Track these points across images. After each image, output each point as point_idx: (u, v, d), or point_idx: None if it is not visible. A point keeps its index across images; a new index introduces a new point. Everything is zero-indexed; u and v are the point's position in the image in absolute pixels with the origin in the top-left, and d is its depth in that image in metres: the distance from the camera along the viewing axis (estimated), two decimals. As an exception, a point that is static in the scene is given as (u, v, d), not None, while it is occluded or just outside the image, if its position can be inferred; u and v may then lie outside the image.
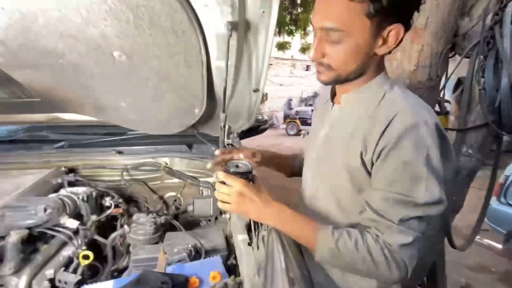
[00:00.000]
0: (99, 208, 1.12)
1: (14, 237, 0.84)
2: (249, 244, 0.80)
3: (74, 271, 0.94)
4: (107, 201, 1.15)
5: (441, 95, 1.55)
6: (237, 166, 0.71)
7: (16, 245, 0.84)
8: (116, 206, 1.16)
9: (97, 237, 1.03)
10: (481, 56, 1.20)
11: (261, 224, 0.85)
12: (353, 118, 0.66)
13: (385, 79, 0.66)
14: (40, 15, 0.67)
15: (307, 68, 13.82)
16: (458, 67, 1.46)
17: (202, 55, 0.81)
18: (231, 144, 1.60)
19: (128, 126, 1.23)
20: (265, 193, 0.68)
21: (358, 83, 0.66)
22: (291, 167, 0.98)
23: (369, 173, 0.62)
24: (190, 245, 0.88)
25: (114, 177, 1.37)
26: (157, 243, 1.02)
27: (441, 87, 1.48)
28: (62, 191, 1.05)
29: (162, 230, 1.05)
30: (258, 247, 0.78)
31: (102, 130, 1.59)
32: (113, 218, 1.24)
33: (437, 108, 1.58)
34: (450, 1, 1.29)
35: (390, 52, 0.60)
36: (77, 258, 0.96)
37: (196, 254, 0.88)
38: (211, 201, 1.48)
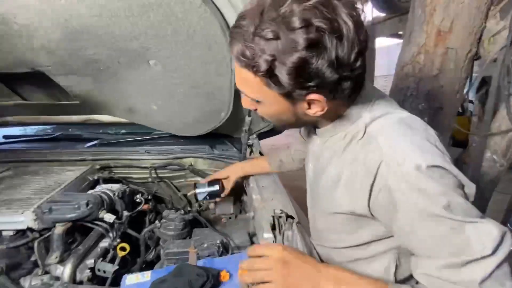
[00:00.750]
0: (131, 204, 1.20)
1: (59, 229, 0.93)
2: (274, 242, 0.85)
3: (111, 261, 1.02)
4: (138, 198, 1.23)
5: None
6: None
7: (61, 236, 0.92)
8: (146, 202, 1.24)
9: (130, 231, 1.11)
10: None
11: (285, 223, 0.90)
12: (334, 159, 0.61)
13: (360, 110, 0.58)
14: (90, 30, 0.74)
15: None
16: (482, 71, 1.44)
17: (232, 64, 0.86)
18: (251, 145, 1.66)
19: (157, 127, 1.30)
20: (308, 255, 0.58)
21: (322, 122, 0.62)
22: (268, 169, 1.18)
23: (364, 215, 0.57)
24: (218, 241, 0.94)
25: (142, 175, 1.46)
26: (185, 238, 1.09)
27: (465, 90, 1.46)
28: (98, 188, 1.14)
29: (190, 226, 1.11)
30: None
31: (130, 130, 1.68)
32: (141, 213, 1.32)
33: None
34: (476, 3, 1.28)
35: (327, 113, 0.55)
36: (113, 249, 1.05)
37: (223, 250, 0.93)
38: (232, 199, 1.55)
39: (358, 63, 0.48)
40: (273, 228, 0.92)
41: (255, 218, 1.06)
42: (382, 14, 4.21)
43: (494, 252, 0.44)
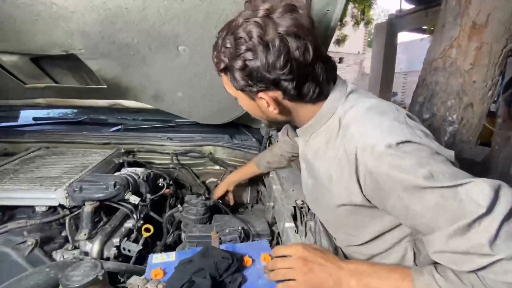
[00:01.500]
0: (154, 187, 1.23)
1: (88, 207, 0.97)
2: (296, 231, 0.85)
3: (134, 242, 1.06)
4: (160, 182, 1.26)
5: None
6: None
7: (90, 214, 0.96)
8: (167, 187, 1.27)
9: (152, 214, 1.15)
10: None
11: (306, 213, 0.90)
12: (320, 158, 0.64)
13: (333, 105, 0.61)
14: (125, 13, 0.75)
15: (340, 60, 13.38)
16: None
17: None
18: (270, 136, 1.66)
19: (181, 115, 1.32)
20: (328, 251, 0.62)
21: (298, 121, 0.67)
22: (258, 172, 1.24)
23: (366, 206, 0.58)
24: (240, 227, 0.95)
25: (164, 161, 1.49)
26: (205, 223, 1.11)
27: (497, 88, 1.40)
28: (124, 170, 1.17)
29: (210, 212, 1.14)
30: (306, 234, 0.83)
31: (153, 117, 1.71)
32: (163, 197, 1.36)
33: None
34: (516, -3, 1.21)
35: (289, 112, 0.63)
36: (137, 230, 1.08)
37: (245, 236, 0.95)
38: (248, 189, 1.56)
39: (287, 69, 0.53)
40: (294, 218, 0.93)
41: (275, 208, 1.07)
42: (409, 6, 4.05)
43: (490, 209, 0.42)
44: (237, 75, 0.55)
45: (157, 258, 0.79)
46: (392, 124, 0.52)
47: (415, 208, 0.48)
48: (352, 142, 0.54)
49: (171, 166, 1.49)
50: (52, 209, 0.99)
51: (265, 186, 1.49)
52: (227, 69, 0.57)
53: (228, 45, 0.54)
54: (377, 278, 0.53)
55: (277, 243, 1.01)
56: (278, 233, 1.01)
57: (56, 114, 1.77)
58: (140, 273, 0.87)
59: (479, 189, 0.44)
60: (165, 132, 1.54)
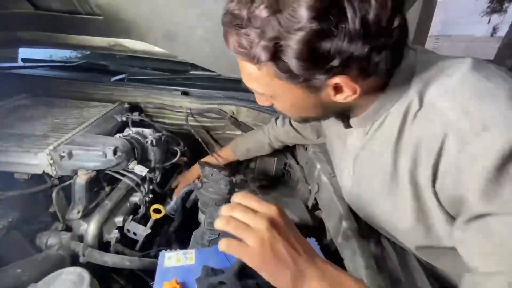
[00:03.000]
0: (165, 154, 0.99)
1: (82, 178, 0.74)
2: (362, 235, 0.62)
3: (141, 221, 0.86)
4: (173, 148, 1.02)
5: None
6: None
7: (83, 187, 0.74)
8: (182, 154, 1.03)
9: (156, 188, 0.93)
10: None
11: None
12: (387, 149, 0.49)
13: (405, 78, 0.45)
14: None
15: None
16: None
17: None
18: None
19: (198, 62, 1.03)
20: (305, 240, 0.44)
21: (358, 108, 0.50)
22: (232, 158, 1.07)
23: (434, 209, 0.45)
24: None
25: (176, 121, 1.23)
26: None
27: None
28: (127, 131, 0.93)
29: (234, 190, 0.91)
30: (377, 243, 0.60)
31: (163, 66, 1.42)
32: (174, 168, 1.13)
33: None
34: None
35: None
36: (145, 206, 0.87)
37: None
38: (274, 161, 1.33)
39: (396, 24, 0.36)
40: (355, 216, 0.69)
41: (322, 195, 0.82)
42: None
43: None
44: (295, 59, 0.37)
45: (170, 259, 0.58)
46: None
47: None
48: (438, 123, 0.40)
49: (184, 127, 1.24)
50: (37, 177, 0.76)
51: (295, 159, 1.25)
52: (273, 56, 0.38)
53: (266, 14, 0.36)
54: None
55: (319, 240, 0.80)
56: (322, 225, 0.79)
57: (48, 57, 1.48)
58: (148, 269, 0.68)
59: None
60: (178, 85, 1.26)
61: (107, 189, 0.86)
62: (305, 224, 0.79)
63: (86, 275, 0.42)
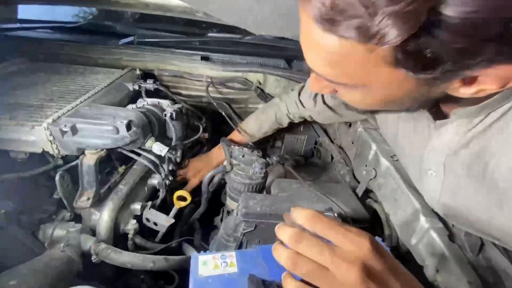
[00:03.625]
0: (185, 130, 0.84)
1: (90, 158, 0.61)
2: (451, 239, 0.47)
3: (161, 207, 0.73)
4: (193, 123, 0.87)
5: None
6: None
7: (92, 169, 0.61)
8: (205, 130, 0.89)
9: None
10: None
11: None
12: (503, 146, 0.36)
13: None
14: None
15: None
16: None
17: None
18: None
19: (224, 18, 0.84)
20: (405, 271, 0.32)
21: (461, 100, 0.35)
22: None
23: None
24: (333, 211, 0.58)
25: (195, 92, 1.07)
26: (261, 190, 0.76)
27: None
28: (141, 102, 0.78)
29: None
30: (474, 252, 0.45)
31: (178, 28, 1.23)
32: (195, 145, 0.99)
33: None
34: None
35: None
36: (165, 189, 0.75)
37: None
38: (304, 138, 1.18)
39: None
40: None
41: (381, 180, 0.67)
42: None
43: None
44: (452, 39, 0.24)
45: (206, 265, 0.45)
46: None
47: None
48: None
49: (203, 100, 1.08)
50: (37, 157, 0.63)
51: (328, 135, 1.09)
52: (417, 33, 0.24)
53: None
54: None
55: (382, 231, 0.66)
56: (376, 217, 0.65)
57: (48, 17, 1.30)
58: (176, 271, 0.56)
59: None
60: (196, 49, 1.08)
61: (121, 170, 0.73)
62: (359, 218, 0.65)
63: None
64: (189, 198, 0.69)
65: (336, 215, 0.55)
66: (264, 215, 0.62)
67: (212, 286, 0.42)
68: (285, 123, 0.91)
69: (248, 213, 0.62)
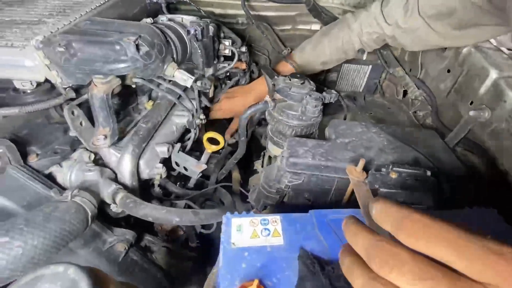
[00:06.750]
0: (216, 55, 0.67)
1: (99, 89, 0.48)
2: None
3: (191, 153, 0.62)
4: (226, 47, 0.69)
5: None
6: None
7: (104, 102, 0.49)
8: (240, 58, 0.70)
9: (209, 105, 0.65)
10: None
11: None
12: None
13: None
14: None
15: None
16: None
17: None
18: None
19: None
20: None
21: None
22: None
23: None
24: (420, 167, 0.40)
25: (227, 10, 0.85)
26: (311, 134, 0.59)
27: None
28: (162, 18, 0.61)
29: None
30: None
31: None
32: (229, 77, 0.82)
33: None
34: None
35: None
36: (195, 129, 0.62)
37: (430, 186, 0.41)
38: (368, 69, 0.95)
39: None
40: None
41: (507, 143, 0.45)
42: None
43: None
44: None
45: (241, 232, 0.34)
46: None
47: None
48: None
49: (239, 21, 0.87)
50: (46, 88, 0.53)
51: (402, 68, 0.84)
52: None
53: None
54: None
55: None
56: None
57: None
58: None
59: None
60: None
61: (147, 105, 0.61)
62: (454, 176, 0.46)
63: (83, 283, 0.19)
64: (221, 141, 0.56)
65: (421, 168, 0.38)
66: (317, 167, 0.47)
67: (249, 262, 0.31)
68: (351, 53, 0.69)
69: (295, 163, 0.47)
